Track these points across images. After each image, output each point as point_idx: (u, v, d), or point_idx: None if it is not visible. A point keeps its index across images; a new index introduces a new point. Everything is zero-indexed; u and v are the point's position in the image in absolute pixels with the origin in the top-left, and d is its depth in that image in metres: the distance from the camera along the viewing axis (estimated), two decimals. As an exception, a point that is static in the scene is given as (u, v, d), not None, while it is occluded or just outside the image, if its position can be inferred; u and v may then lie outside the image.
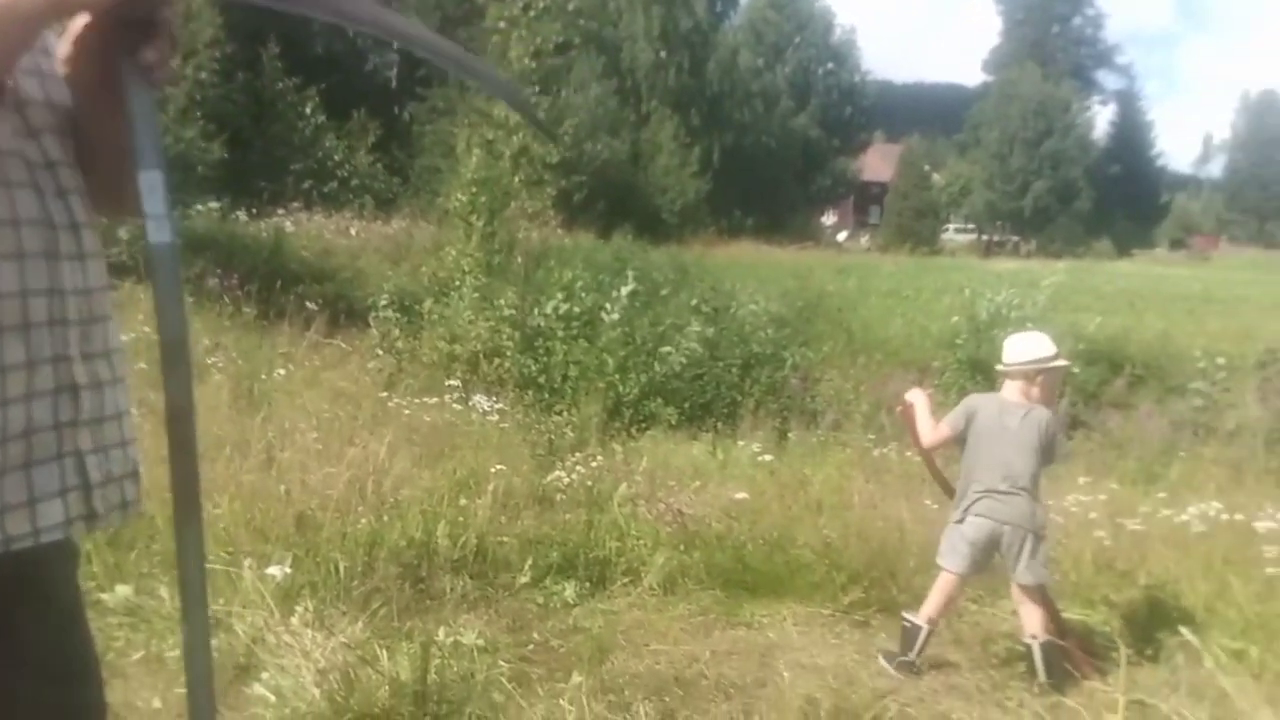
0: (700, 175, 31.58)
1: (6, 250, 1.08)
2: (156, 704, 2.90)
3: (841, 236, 44.98)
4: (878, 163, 55.33)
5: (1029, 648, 3.57)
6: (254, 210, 15.07)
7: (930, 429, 3.85)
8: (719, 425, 7.76)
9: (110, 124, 1.14)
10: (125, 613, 3.40)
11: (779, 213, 37.67)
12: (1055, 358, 3.81)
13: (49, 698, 1.25)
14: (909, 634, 3.67)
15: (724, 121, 37.28)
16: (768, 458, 6.32)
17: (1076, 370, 9.60)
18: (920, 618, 3.68)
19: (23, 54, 1.09)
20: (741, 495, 5.14)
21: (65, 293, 1.13)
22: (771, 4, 46.52)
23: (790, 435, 7.52)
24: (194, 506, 1.14)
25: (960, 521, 3.69)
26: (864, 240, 45.49)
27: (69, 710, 1.29)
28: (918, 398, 3.97)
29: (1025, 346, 3.81)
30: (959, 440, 3.79)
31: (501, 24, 11.56)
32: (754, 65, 42.11)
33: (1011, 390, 3.78)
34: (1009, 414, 3.70)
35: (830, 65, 48.45)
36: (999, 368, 3.88)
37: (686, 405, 8.26)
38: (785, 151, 41.36)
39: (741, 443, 6.90)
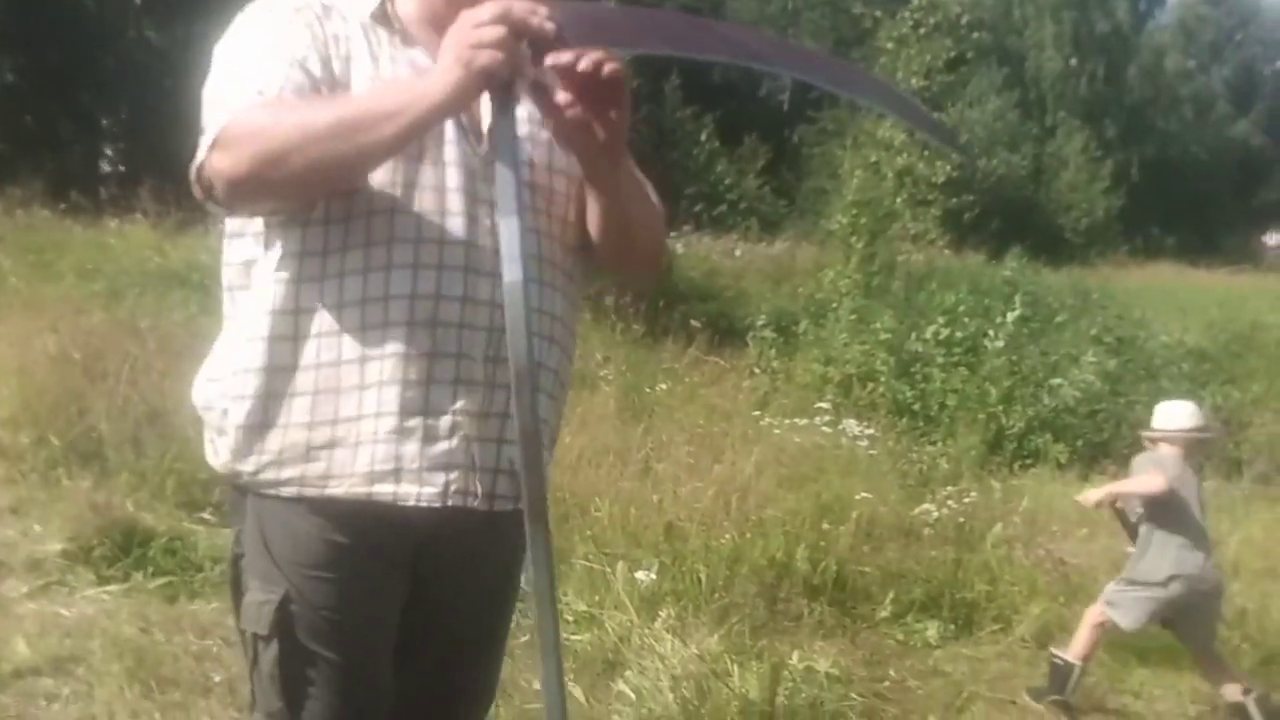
0: (1113, 191, 28.80)
1: (428, 262, 1.34)
2: (536, 685, 3.19)
3: (1288, 257, 38.83)
4: (1341, 173, 47.05)
5: (1244, 705, 3.51)
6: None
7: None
8: (1117, 468, 7.01)
9: (600, 189, 1.41)
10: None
11: (1209, 231, 33.37)
12: (1206, 429, 3.84)
13: (468, 653, 1.53)
14: (1060, 672, 3.60)
15: (1144, 131, 33.77)
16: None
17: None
18: (1071, 655, 3.59)
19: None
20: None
21: (478, 302, 1.35)
22: (1208, -1, 41.40)
23: (1206, 485, 6.60)
24: (542, 520, 1.26)
25: (1161, 584, 3.55)
26: (1318, 263, 38.89)
27: (479, 664, 1.56)
28: None
29: (1179, 413, 3.77)
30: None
31: (890, 44, 11.37)
32: (1184, 68, 37.72)
33: (1173, 455, 3.67)
34: (1190, 478, 3.64)
35: (1281, 63, 42.16)
36: (1146, 436, 3.83)
37: (1079, 443, 7.54)
38: (1219, 163, 36.58)
39: (1143, 490, 6.16)
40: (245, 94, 1.29)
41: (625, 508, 4.38)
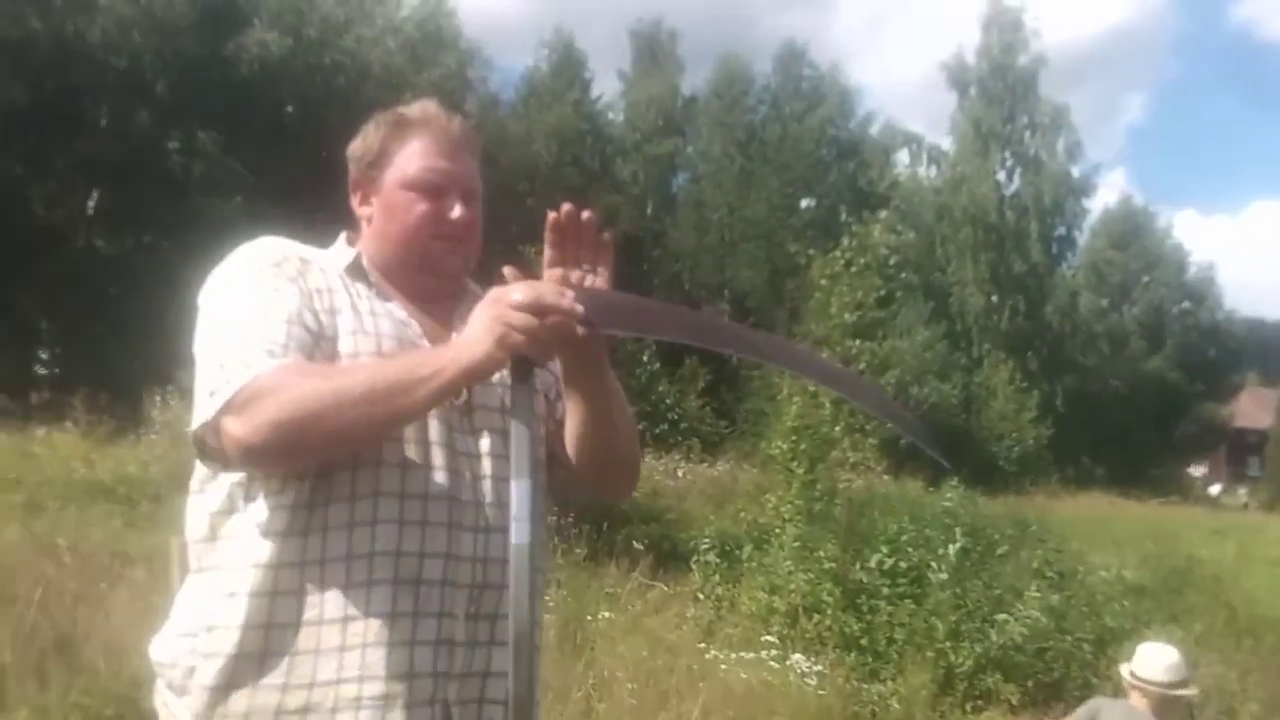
0: (1040, 421, 29.86)
1: (412, 518, 1.33)
2: None
3: (1214, 490, 40.05)
4: (1253, 408, 49.40)
5: None
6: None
7: None
8: (1068, 710, 6.83)
9: (583, 403, 1.43)
10: None
11: (1134, 462, 34.47)
12: (1185, 684, 3.53)
13: None
14: None
15: (1065, 365, 35.46)
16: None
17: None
18: None
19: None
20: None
21: (461, 559, 1.34)
22: (1114, 244, 44.67)
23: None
24: None
25: None
26: (1242, 495, 40.10)
27: None
28: None
29: (1159, 663, 3.50)
30: None
31: (824, 280, 11.93)
32: (1097, 306, 40.17)
33: (1140, 704, 3.46)
34: None
35: (1186, 304, 45.10)
36: (1127, 677, 3.57)
37: (1030, 683, 7.38)
38: (1139, 396, 38.34)
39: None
40: (255, 354, 1.29)
41: (566, 756, 4.10)
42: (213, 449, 1.32)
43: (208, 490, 1.38)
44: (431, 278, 1.47)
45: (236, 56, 20.96)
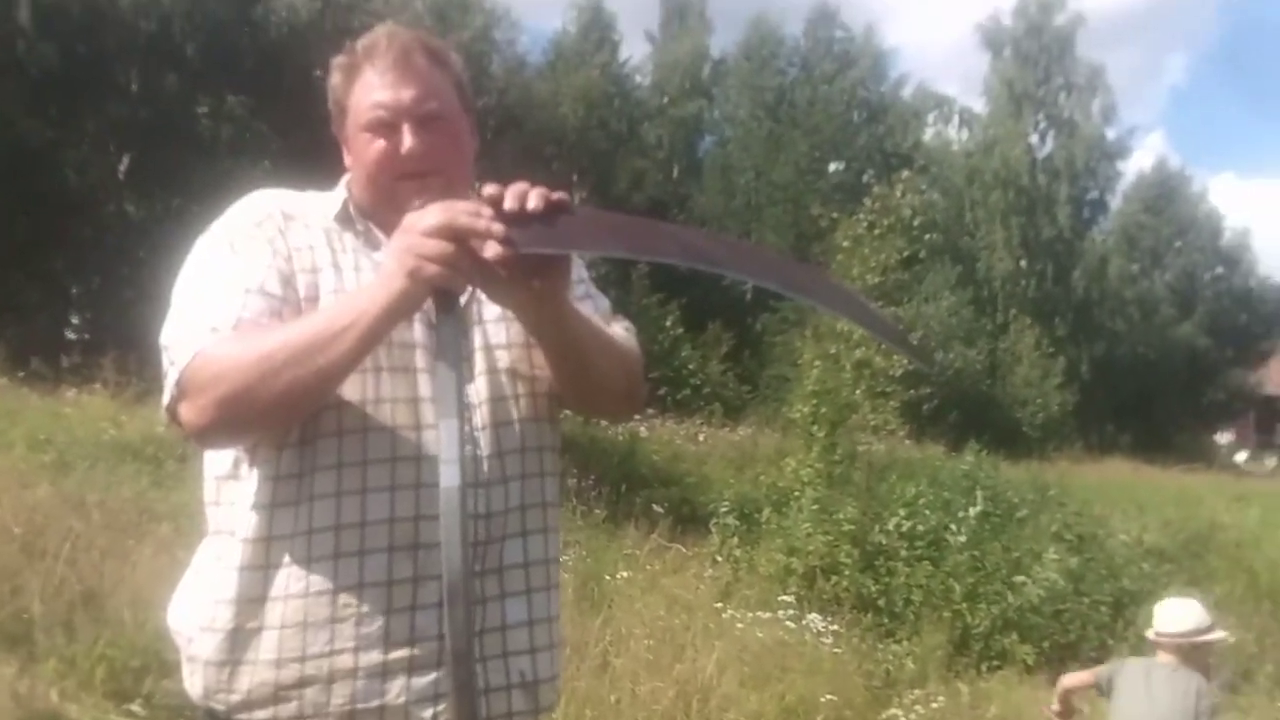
0: (1066, 387, 29.61)
1: (405, 483, 1.29)
2: None
3: (1240, 458, 39.58)
4: (1283, 375, 48.78)
5: None
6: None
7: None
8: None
9: (544, 338, 1.34)
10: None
11: (1160, 429, 34.13)
12: (1209, 630, 3.54)
13: None
14: None
15: (1093, 331, 35.03)
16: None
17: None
18: None
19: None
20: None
21: (467, 517, 1.26)
22: (1147, 209, 43.94)
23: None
24: None
25: None
26: (1269, 463, 39.65)
27: None
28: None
29: (1177, 615, 3.54)
30: (1102, 693, 3.54)
31: (846, 243, 11.82)
32: (1128, 272, 39.60)
33: (1167, 660, 3.50)
34: (1155, 675, 3.41)
35: (1219, 270, 44.36)
36: (1149, 635, 3.60)
37: (1046, 644, 7.42)
38: (1167, 363, 37.83)
39: (1111, 696, 6.01)
40: (200, 333, 1.26)
41: (581, 708, 4.19)
42: (180, 428, 1.29)
43: (215, 453, 1.37)
44: None
45: (265, 19, 20.95)
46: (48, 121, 18.71)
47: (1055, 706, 3.72)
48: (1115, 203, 39.68)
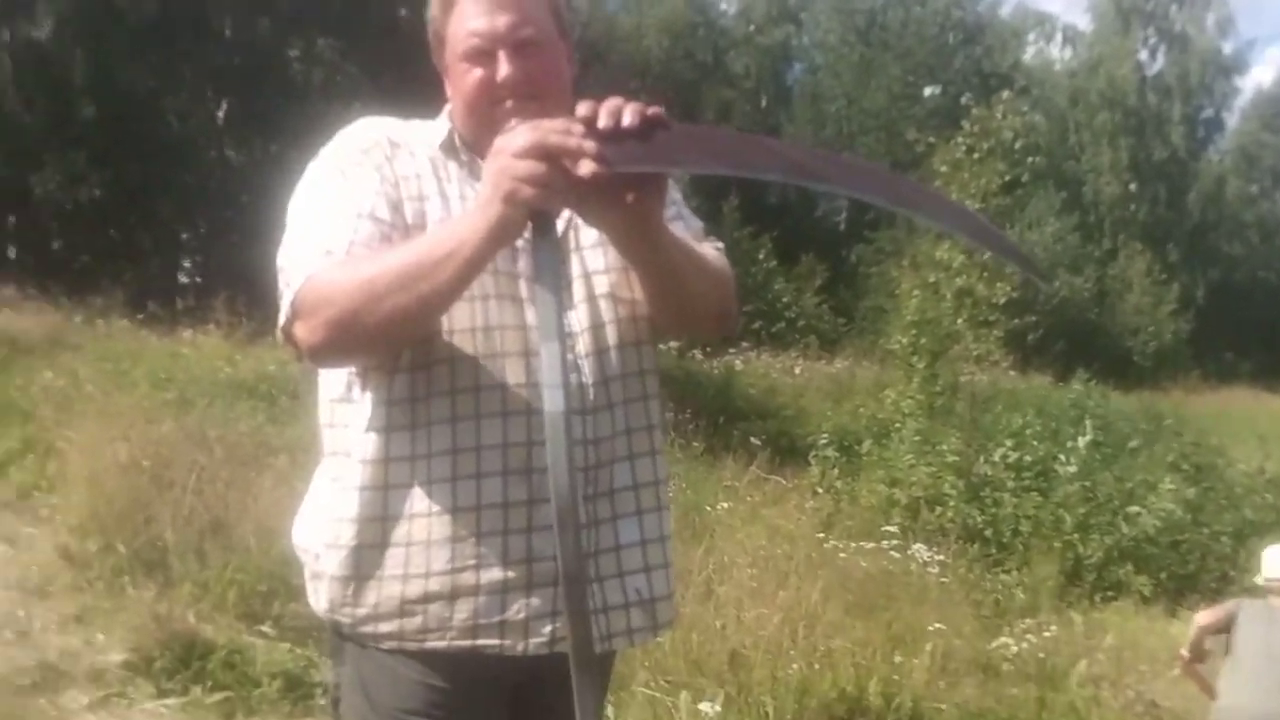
0: (1180, 314, 28.41)
1: (516, 409, 1.30)
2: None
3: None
4: None
5: None
6: (708, 348, 16.15)
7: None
8: (1205, 604, 6.66)
9: (638, 260, 1.32)
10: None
11: (1282, 356, 32.57)
12: None
13: None
14: None
15: (1209, 255, 33.50)
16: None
17: None
18: None
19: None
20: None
21: (572, 441, 1.23)
22: (1267, 126, 41.39)
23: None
24: (588, 666, 1.20)
25: None
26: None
27: None
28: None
29: None
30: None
31: (944, 168, 11.43)
32: (1246, 193, 37.53)
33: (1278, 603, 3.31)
34: (1277, 620, 3.26)
35: (1346, 187, 41.68)
36: (1259, 581, 3.53)
37: (1163, 575, 7.21)
38: (1289, 286, 35.94)
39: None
40: (314, 256, 1.28)
41: (687, 633, 4.21)
42: (294, 348, 1.31)
43: (328, 378, 1.39)
44: None
45: (351, -41, 21.11)
46: (149, 69, 19.27)
47: (1185, 653, 3.61)
48: (1232, 121, 37.59)
